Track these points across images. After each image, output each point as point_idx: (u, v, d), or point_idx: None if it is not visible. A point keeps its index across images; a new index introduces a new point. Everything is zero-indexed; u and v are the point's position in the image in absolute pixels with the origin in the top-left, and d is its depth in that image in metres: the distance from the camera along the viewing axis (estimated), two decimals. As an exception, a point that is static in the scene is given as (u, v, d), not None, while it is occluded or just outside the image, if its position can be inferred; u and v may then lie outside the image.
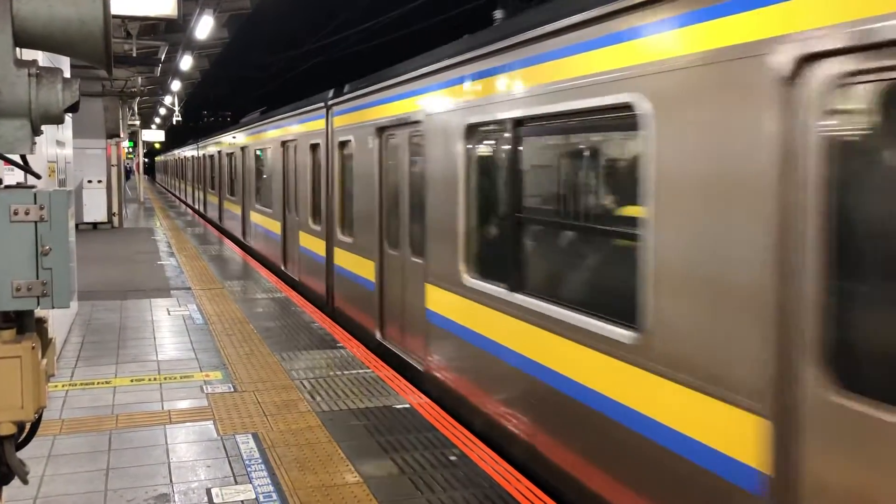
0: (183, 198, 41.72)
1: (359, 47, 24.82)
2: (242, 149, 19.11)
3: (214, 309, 10.99)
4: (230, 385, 7.28)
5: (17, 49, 2.46)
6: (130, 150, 43.66)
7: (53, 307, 2.46)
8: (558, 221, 5.71)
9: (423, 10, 18.89)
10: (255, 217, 17.62)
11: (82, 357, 8.34)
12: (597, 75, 4.69)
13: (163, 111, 46.57)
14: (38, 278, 2.46)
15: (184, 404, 6.73)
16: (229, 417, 6.37)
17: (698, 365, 3.89)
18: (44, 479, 5.12)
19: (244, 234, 19.17)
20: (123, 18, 11.82)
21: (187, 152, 38.08)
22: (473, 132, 6.54)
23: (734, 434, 3.65)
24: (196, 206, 32.91)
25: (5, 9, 2.39)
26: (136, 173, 44.62)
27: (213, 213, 26.17)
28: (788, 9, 3.33)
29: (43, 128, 2.59)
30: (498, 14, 7.13)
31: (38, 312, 2.61)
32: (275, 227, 15.02)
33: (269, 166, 15.73)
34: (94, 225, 23.29)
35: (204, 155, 29.04)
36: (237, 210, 20.05)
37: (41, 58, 5.85)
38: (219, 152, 24.14)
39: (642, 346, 4.31)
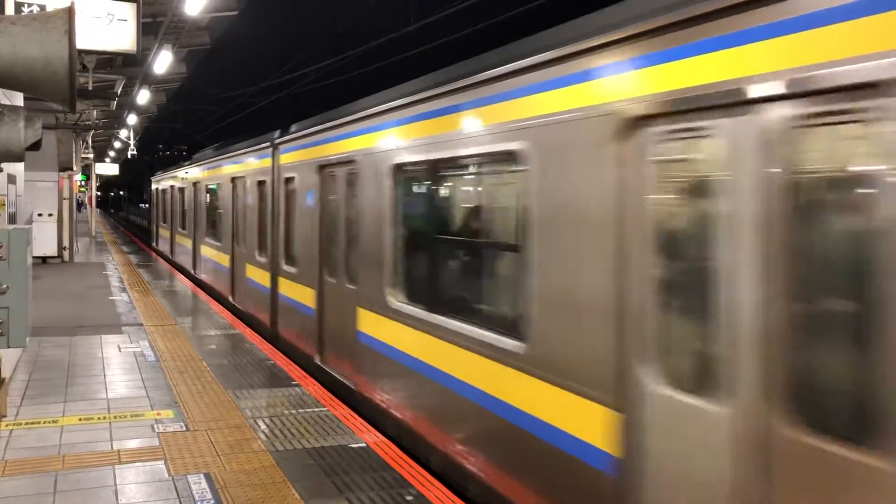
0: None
1: (316, 85, 24.93)
2: (194, 183, 21.14)
3: (167, 345, 10.81)
4: (182, 424, 7.17)
5: None
6: (83, 183, 42.96)
7: (9, 346, 2.45)
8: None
9: (381, 50, 19.18)
10: (204, 250, 19.39)
11: (28, 395, 8.13)
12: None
13: (118, 144, 45.92)
14: None
15: (134, 444, 6.60)
16: (181, 457, 6.26)
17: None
18: (-14, 522, 4.97)
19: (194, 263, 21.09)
20: (81, 52, 11.75)
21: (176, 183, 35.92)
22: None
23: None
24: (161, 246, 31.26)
25: (-31, 48, 2.39)
26: (88, 206, 43.88)
27: (168, 246, 26.96)
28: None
29: None
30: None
31: (-8, 351, 2.58)
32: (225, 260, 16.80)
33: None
34: (44, 259, 22.70)
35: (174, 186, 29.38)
36: (188, 243, 22.15)
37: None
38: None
39: None
